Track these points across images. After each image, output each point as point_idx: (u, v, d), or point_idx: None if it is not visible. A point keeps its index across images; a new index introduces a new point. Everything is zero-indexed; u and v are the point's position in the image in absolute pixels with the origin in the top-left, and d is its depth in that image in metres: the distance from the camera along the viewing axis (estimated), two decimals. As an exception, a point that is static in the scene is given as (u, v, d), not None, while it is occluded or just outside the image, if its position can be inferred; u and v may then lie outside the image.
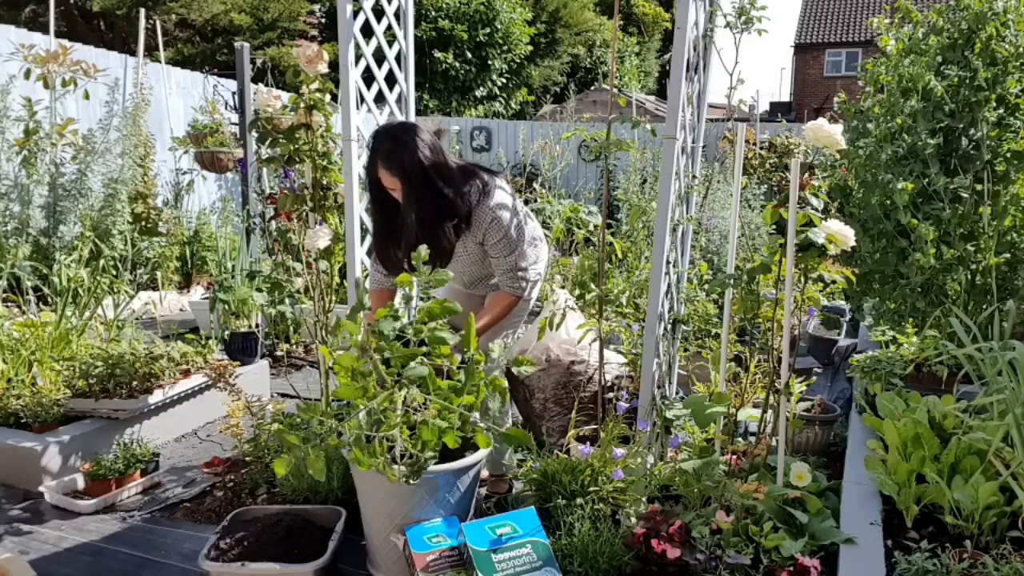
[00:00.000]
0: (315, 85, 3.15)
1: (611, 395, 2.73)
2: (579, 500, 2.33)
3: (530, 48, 20.64)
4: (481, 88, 19.36)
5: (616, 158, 2.60)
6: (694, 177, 2.99)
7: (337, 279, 3.98)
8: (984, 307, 3.08)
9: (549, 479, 2.44)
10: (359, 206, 3.05)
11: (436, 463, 2.16)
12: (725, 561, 2.04)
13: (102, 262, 4.64)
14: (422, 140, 2.47)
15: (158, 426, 3.38)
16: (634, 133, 8.61)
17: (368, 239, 3.01)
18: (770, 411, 2.55)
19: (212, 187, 8.52)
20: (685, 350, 3.29)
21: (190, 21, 18.82)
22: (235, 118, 6.39)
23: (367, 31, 2.99)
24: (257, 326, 4.17)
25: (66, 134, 5.20)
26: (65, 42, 5.55)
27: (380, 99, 3.18)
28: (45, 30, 6.22)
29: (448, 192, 2.49)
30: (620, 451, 2.43)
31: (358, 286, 2.93)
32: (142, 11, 7.54)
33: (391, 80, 3.22)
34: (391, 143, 2.46)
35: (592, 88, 21.35)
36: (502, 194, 2.59)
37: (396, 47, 3.24)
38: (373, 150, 2.49)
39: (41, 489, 2.79)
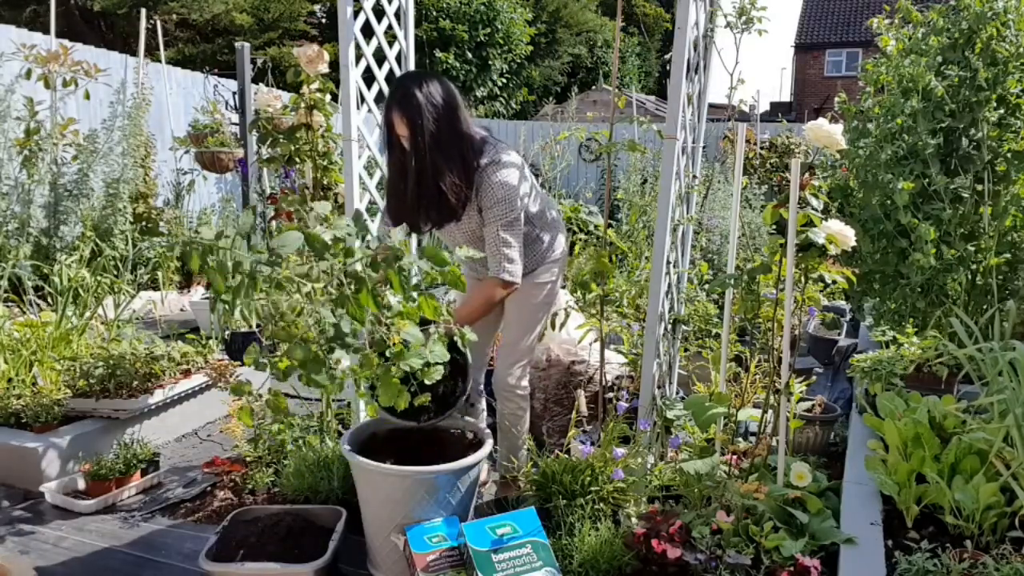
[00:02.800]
0: (315, 85, 3.16)
1: (611, 395, 2.73)
2: (579, 500, 2.33)
3: (531, 48, 20.65)
4: (482, 88, 19.37)
5: (616, 158, 2.60)
6: (694, 177, 2.99)
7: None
8: (985, 307, 3.08)
9: (549, 479, 2.44)
10: (359, 206, 3.05)
11: (435, 463, 2.14)
12: (725, 561, 2.04)
13: (103, 262, 4.63)
14: (439, 89, 2.45)
15: (159, 426, 3.38)
16: (636, 133, 8.61)
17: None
18: (770, 411, 2.55)
19: (213, 187, 8.53)
20: (685, 350, 3.29)
21: (191, 21, 18.82)
22: (235, 118, 6.38)
23: (367, 31, 2.99)
24: (258, 326, 4.17)
25: (67, 134, 5.20)
26: (66, 42, 5.55)
27: (381, 99, 3.18)
28: (46, 30, 6.20)
29: (459, 145, 2.47)
30: (620, 451, 2.43)
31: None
32: (143, 11, 7.53)
33: (392, 80, 3.22)
34: (407, 89, 2.42)
35: (593, 88, 21.37)
36: (511, 161, 2.54)
37: (397, 47, 3.24)
38: (390, 95, 2.47)
39: (41, 489, 2.79)
